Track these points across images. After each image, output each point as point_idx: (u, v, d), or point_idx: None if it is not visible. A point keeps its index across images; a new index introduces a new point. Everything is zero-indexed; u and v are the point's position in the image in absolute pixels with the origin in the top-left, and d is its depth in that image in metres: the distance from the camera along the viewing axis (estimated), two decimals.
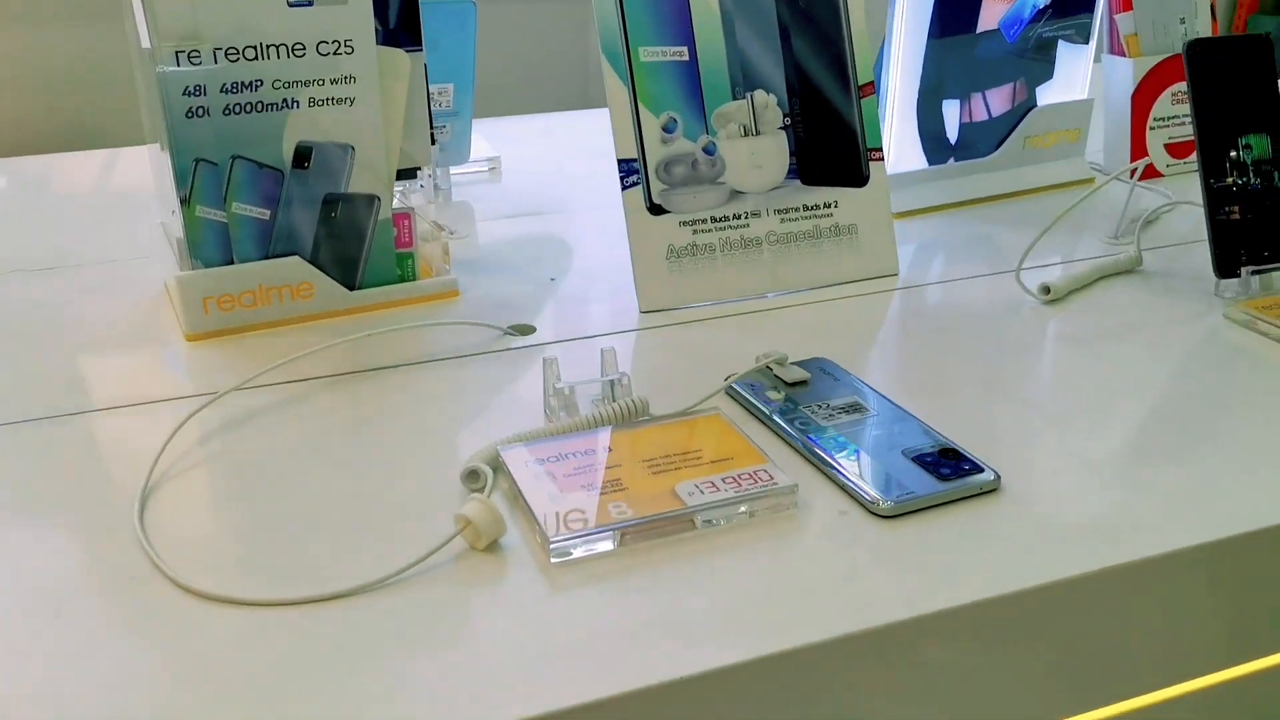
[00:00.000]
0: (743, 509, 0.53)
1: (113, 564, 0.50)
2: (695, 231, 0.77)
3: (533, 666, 0.44)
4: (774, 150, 0.78)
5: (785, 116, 0.79)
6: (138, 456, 0.58)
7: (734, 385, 0.64)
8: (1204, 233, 0.78)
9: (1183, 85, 1.03)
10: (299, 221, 0.74)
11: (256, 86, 0.70)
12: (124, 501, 0.54)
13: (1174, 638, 0.53)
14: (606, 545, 0.51)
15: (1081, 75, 1.01)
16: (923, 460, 0.56)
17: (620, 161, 0.76)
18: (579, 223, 0.97)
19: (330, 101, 0.72)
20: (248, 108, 0.70)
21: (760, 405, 0.62)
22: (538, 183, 1.08)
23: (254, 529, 0.53)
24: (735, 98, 0.77)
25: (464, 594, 0.48)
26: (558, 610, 0.47)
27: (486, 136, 1.14)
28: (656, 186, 0.76)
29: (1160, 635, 0.53)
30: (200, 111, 0.69)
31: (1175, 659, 0.54)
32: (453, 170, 1.04)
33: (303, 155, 0.73)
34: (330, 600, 0.47)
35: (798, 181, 0.79)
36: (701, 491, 0.53)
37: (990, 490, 0.55)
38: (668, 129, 0.76)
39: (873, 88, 0.81)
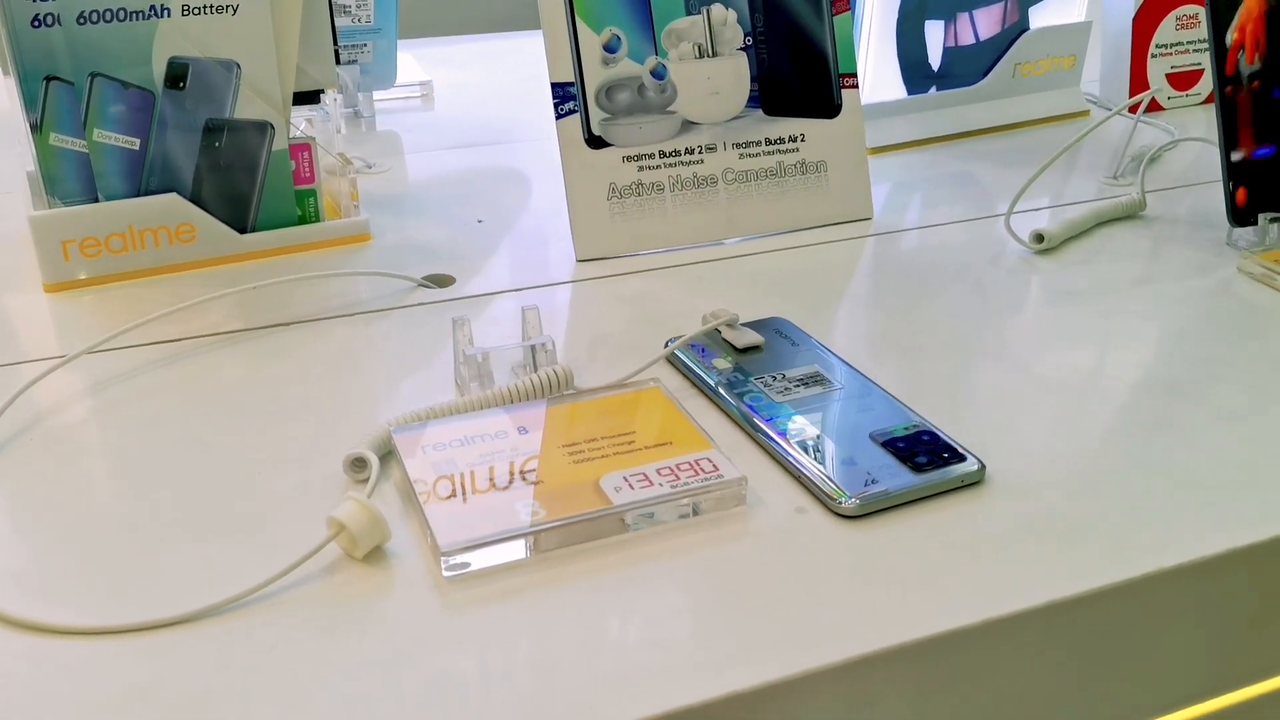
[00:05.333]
0: (681, 507, 0.44)
1: None
2: (641, 168, 0.67)
3: (414, 712, 0.35)
4: (733, 74, 0.69)
5: (746, 35, 0.69)
6: None
7: (676, 352, 0.55)
8: (1213, 173, 0.69)
9: (1189, 8, 0.93)
10: (175, 152, 0.63)
11: None
12: None
13: (1200, 659, 0.45)
14: (516, 553, 0.42)
15: None
16: (894, 446, 0.47)
17: (554, 85, 0.66)
18: (518, 157, 0.88)
19: (208, 9, 0.62)
20: (107, 15, 0.60)
21: (705, 376, 0.53)
22: (475, 111, 0.99)
23: (82, 533, 0.44)
24: (689, 12, 0.68)
25: (331, 618, 0.39)
26: (449, 638, 0.39)
27: (419, 59, 1.05)
28: (596, 115, 0.66)
29: (1186, 656, 0.45)
30: (49, 19, 0.59)
31: (1208, 681, 0.46)
32: (377, 95, 0.94)
33: (177, 74, 0.62)
34: (157, 629, 0.39)
35: (759, 111, 0.70)
36: (631, 486, 0.44)
37: (974, 483, 0.46)
38: (610, 48, 0.66)
39: (847, 3, 0.71)
